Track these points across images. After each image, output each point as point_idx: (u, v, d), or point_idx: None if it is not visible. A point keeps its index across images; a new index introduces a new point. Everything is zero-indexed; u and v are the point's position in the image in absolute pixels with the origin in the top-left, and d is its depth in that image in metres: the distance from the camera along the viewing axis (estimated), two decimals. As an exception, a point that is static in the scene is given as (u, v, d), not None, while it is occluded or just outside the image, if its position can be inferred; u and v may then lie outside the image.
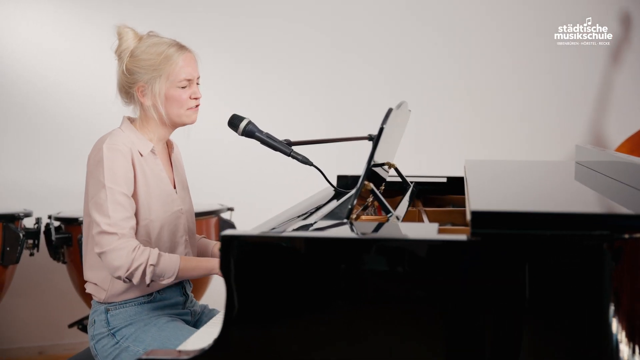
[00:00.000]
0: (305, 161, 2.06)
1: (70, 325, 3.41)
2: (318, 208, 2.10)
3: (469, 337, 1.25)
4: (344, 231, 1.44)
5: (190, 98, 1.97)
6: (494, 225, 1.25)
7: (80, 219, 3.05)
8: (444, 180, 2.55)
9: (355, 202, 1.59)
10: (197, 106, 2.00)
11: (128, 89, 1.99)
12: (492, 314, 1.24)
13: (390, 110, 1.64)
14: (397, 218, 1.66)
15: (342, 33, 4.10)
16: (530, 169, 2.38)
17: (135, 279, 1.84)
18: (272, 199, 4.01)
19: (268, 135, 2.07)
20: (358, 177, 2.75)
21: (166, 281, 1.89)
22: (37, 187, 3.74)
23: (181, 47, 1.98)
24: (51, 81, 3.77)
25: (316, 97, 4.11)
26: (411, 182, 2.36)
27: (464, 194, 2.50)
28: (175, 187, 2.07)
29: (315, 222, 1.55)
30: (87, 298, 3.20)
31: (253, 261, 1.30)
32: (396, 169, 2.28)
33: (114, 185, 1.86)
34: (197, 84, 2.01)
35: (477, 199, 1.41)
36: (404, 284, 1.27)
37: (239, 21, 3.99)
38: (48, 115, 3.78)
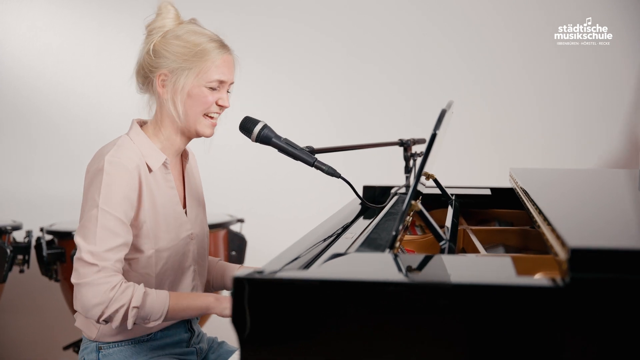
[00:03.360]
0: (331, 172, 1.72)
1: (66, 348, 3.18)
2: (345, 228, 1.78)
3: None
4: (392, 270, 1.12)
5: (216, 103, 1.66)
6: (604, 267, 0.94)
7: (75, 232, 2.75)
8: (488, 192, 2.21)
9: (400, 228, 1.26)
10: (217, 116, 1.69)
11: (148, 72, 1.67)
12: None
13: (443, 112, 1.31)
14: (452, 247, 1.34)
15: (358, 40, 3.88)
16: (595, 180, 2.04)
17: (115, 323, 1.53)
18: (284, 208, 3.74)
19: (287, 142, 1.72)
20: (386, 187, 2.47)
21: (152, 324, 1.59)
22: (27, 195, 3.45)
23: (223, 46, 1.67)
24: (46, 80, 3.49)
25: (331, 103, 3.85)
26: (451, 195, 2.04)
27: (508, 207, 2.19)
28: (185, 207, 1.76)
29: (350, 253, 1.22)
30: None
31: (279, 309, 0.98)
32: (435, 180, 1.97)
33: (109, 207, 1.54)
34: (228, 91, 1.71)
35: (570, 230, 1.08)
36: (477, 339, 0.96)
37: (254, 21, 3.72)
38: (42, 116, 3.49)
